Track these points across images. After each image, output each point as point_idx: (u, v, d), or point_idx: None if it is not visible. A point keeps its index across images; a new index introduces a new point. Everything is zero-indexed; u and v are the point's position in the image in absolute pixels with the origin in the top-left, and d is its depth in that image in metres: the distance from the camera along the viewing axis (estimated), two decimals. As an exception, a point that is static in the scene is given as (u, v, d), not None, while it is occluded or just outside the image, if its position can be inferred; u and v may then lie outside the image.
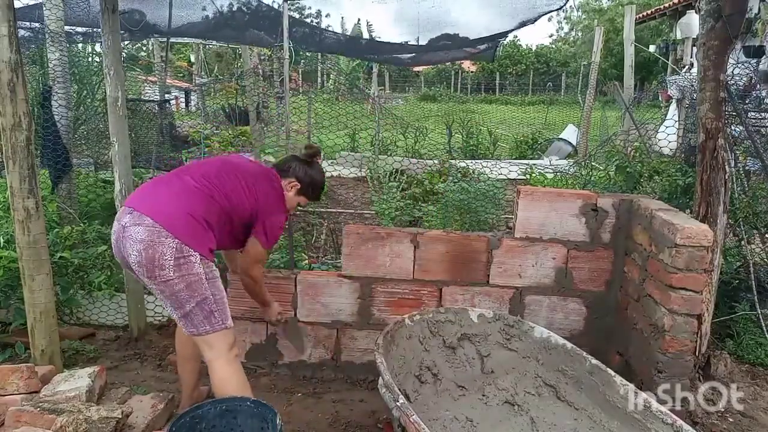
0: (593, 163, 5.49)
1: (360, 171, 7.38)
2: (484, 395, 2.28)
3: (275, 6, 4.45)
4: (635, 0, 14.76)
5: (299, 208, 2.49)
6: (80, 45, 5.65)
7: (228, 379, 2.02)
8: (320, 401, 2.59)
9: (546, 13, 3.79)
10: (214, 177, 2.09)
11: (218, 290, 2.03)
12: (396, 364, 2.10)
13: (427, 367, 2.25)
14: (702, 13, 2.66)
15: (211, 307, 1.98)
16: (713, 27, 2.59)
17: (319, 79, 21.15)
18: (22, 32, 4.75)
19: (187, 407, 2.17)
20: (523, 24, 4.05)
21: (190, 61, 17.59)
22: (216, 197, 2.05)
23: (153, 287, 1.95)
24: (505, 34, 4.59)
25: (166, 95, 8.59)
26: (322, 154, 2.40)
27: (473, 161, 7.47)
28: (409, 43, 5.30)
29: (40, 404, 1.98)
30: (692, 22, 9.29)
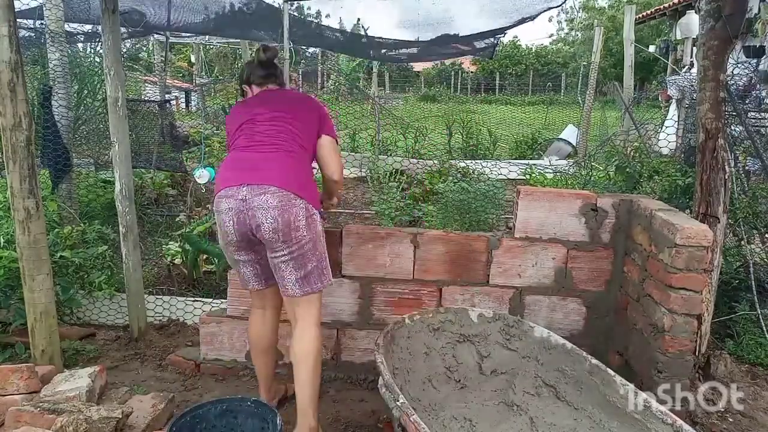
0: (593, 163, 5.49)
1: (360, 171, 7.38)
2: (483, 395, 2.28)
3: (276, 5, 4.46)
4: (635, 0, 14.75)
5: None
6: (81, 45, 5.65)
7: (317, 336, 2.15)
8: (320, 401, 2.59)
9: (546, 10, 3.80)
10: (284, 124, 2.17)
11: (325, 248, 2.20)
12: (396, 364, 2.10)
13: (427, 367, 2.25)
14: (702, 13, 2.66)
15: (325, 263, 2.17)
16: (713, 27, 2.59)
17: (319, 80, 21.15)
18: (22, 32, 4.75)
19: (269, 401, 2.31)
20: (522, 21, 4.06)
21: (190, 61, 17.59)
22: (301, 143, 2.17)
23: (283, 251, 2.05)
24: (504, 30, 4.60)
25: (167, 95, 8.59)
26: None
27: (473, 161, 7.47)
28: (409, 40, 5.31)
29: (40, 404, 1.98)
30: (692, 22, 9.29)
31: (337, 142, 2.32)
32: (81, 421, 1.83)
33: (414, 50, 6.00)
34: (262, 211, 1.99)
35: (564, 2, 3.68)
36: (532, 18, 4.00)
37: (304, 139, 2.19)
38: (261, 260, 2.19)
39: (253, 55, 2.40)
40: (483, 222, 4.14)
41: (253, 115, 2.21)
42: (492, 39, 5.19)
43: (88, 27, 5.27)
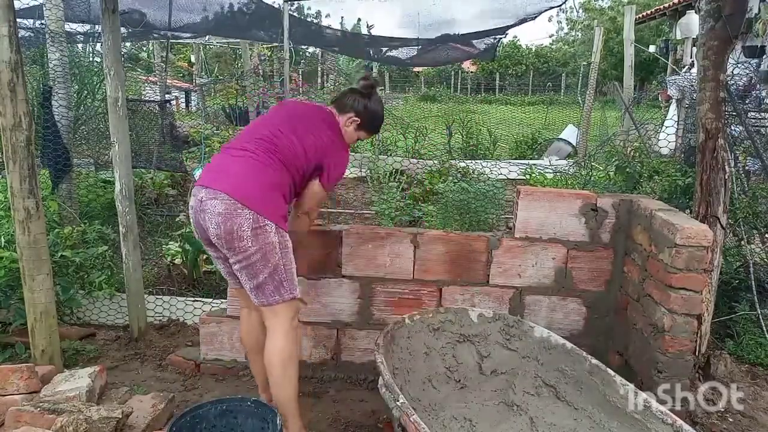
0: (593, 163, 5.49)
1: (360, 171, 7.37)
2: (483, 395, 2.28)
3: (276, 6, 4.46)
4: (635, 0, 14.75)
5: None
6: (80, 45, 5.66)
7: (281, 348, 2.07)
8: (320, 401, 2.59)
9: (546, 10, 3.81)
10: (275, 138, 2.11)
11: (289, 261, 2.07)
12: (396, 364, 2.10)
13: (426, 367, 2.25)
14: (702, 13, 2.66)
15: (281, 277, 2.04)
16: (713, 27, 2.59)
17: (319, 80, 21.14)
18: (22, 32, 4.75)
19: (268, 400, 2.26)
20: (523, 20, 4.07)
21: (190, 61, 17.59)
22: (282, 159, 2.08)
23: (233, 258, 2.02)
24: (505, 30, 4.60)
25: (167, 95, 8.59)
26: (373, 83, 2.33)
27: (473, 161, 7.46)
28: (409, 39, 5.32)
29: (40, 404, 1.98)
30: (692, 22, 9.29)
31: (325, 189, 2.25)
32: (81, 421, 1.83)
33: (414, 52, 6.00)
34: (209, 215, 1.99)
35: (565, 2, 3.69)
36: (532, 18, 4.01)
37: (295, 163, 2.12)
38: (227, 260, 2.15)
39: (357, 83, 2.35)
40: (483, 222, 4.13)
41: (281, 118, 2.21)
42: (493, 39, 5.20)
43: (87, 27, 5.27)
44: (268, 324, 2.11)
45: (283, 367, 2.06)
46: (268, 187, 2.04)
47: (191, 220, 2.13)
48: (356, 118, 2.24)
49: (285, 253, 2.06)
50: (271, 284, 2.03)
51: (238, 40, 9.55)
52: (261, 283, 2.02)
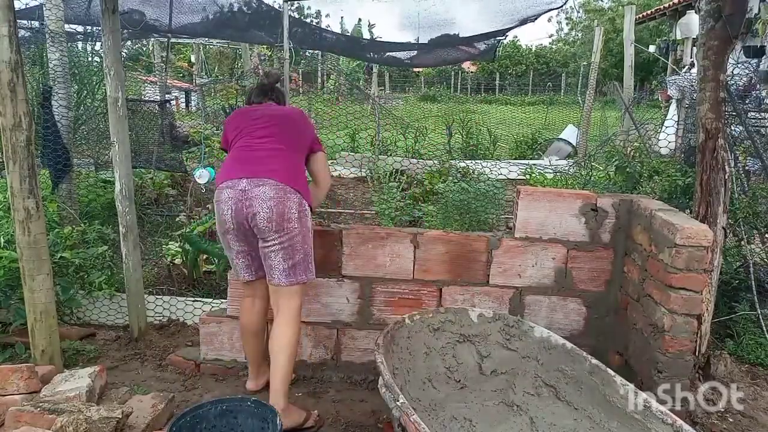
0: (593, 163, 5.49)
1: (360, 171, 7.37)
2: (483, 395, 2.28)
3: (276, 6, 4.46)
4: (635, 0, 14.75)
5: None
6: (80, 45, 5.66)
7: (293, 333, 2.28)
8: (320, 401, 2.59)
9: (546, 11, 3.81)
10: (279, 134, 2.35)
11: (311, 244, 2.33)
12: (396, 364, 2.10)
13: (426, 367, 2.25)
14: (702, 13, 2.66)
15: (310, 258, 2.32)
16: (713, 27, 2.59)
17: (319, 80, 21.15)
18: (22, 32, 4.75)
19: (255, 387, 2.57)
20: (523, 21, 4.07)
21: (190, 61, 17.59)
22: (298, 151, 2.39)
23: (275, 241, 2.21)
24: (505, 32, 4.60)
25: (167, 95, 8.59)
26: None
27: (473, 161, 7.46)
28: (409, 42, 5.31)
29: (41, 404, 1.98)
30: (692, 22, 9.29)
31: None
32: (81, 421, 1.83)
33: (414, 53, 6.00)
34: (259, 201, 2.18)
35: (565, 3, 3.69)
36: (533, 19, 4.01)
37: (299, 145, 2.41)
38: (252, 252, 2.35)
39: (258, 79, 2.68)
40: (483, 222, 4.14)
41: (253, 119, 2.41)
42: (493, 40, 5.19)
43: (86, 27, 5.27)
44: (282, 307, 2.29)
45: (293, 349, 2.27)
46: (301, 173, 2.35)
47: (224, 213, 2.26)
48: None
49: (311, 237, 2.34)
50: (303, 263, 2.27)
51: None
52: (296, 262, 2.24)
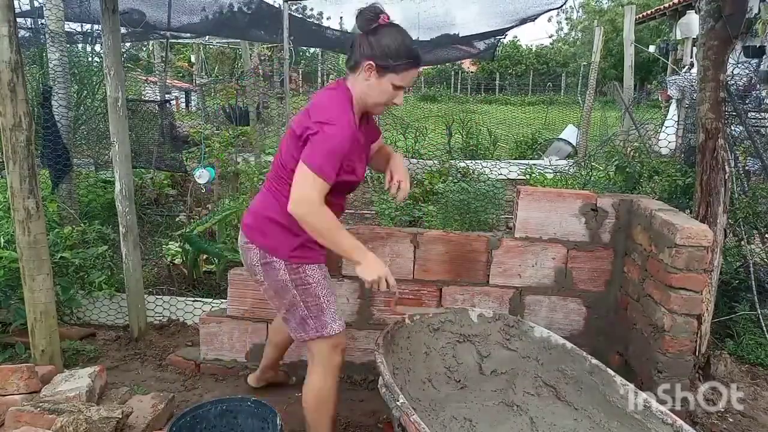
0: (593, 163, 5.49)
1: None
2: (483, 395, 2.28)
3: (276, 5, 4.46)
4: (635, 0, 14.75)
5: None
6: (80, 45, 5.66)
7: (319, 388, 1.96)
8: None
9: (546, 12, 3.81)
10: (281, 162, 1.88)
11: (313, 297, 1.89)
12: (396, 364, 2.10)
13: (426, 367, 2.25)
14: (702, 13, 2.66)
15: (302, 314, 1.89)
16: (713, 27, 2.59)
17: (319, 80, 21.13)
18: (22, 32, 4.75)
19: (253, 383, 2.59)
20: (523, 21, 4.07)
21: (190, 61, 17.59)
22: (281, 176, 1.86)
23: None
24: (504, 32, 4.61)
25: (167, 95, 8.59)
26: (383, 16, 1.79)
27: (473, 161, 7.46)
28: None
29: (41, 404, 1.98)
30: (692, 22, 9.28)
31: (315, 171, 1.68)
32: (81, 421, 1.83)
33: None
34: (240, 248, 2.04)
35: (564, 3, 3.69)
36: (532, 19, 4.01)
37: (287, 160, 1.84)
38: None
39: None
40: (483, 222, 4.14)
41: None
42: (492, 39, 5.20)
43: (87, 27, 5.27)
44: (308, 361, 2.01)
45: (317, 408, 1.97)
46: (270, 220, 1.87)
47: None
48: (370, 62, 1.76)
49: (304, 289, 1.88)
50: (293, 320, 1.92)
51: (238, 40, 9.54)
52: (285, 318, 1.97)
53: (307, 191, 1.69)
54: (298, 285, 1.88)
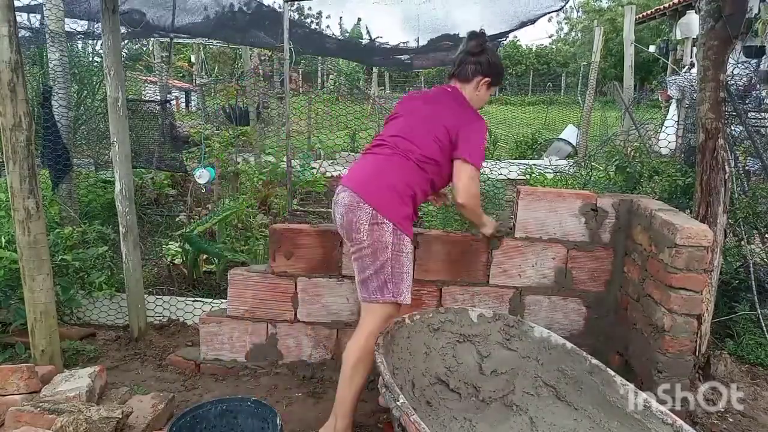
0: (593, 163, 5.49)
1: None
2: (483, 395, 2.28)
3: (276, 7, 4.45)
4: (635, 0, 14.75)
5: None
6: (80, 45, 5.65)
7: (361, 347, 2.10)
8: (320, 401, 2.59)
9: (546, 14, 3.80)
10: (405, 134, 2.20)
11: (400, 264, 2.10)
12: (396, 364, 2.10)
13: (426, 367, 2.25)
14: (702, 13, 2.66)
15: (386, 277, 2.09)
16: (713, 27, 2.59)
17: (319, 80, 21.15)
18: (22, 32, 4.75)
19: None
20: (522, 24, 4.06)
21: (190, 61, 17.58)
22: (415, 159, 2.15)
23: (350, 248, 2.15)
24: (505, 35, 4.60)
25: (167, 95, 8.58)
26: (483, 38, 2.33)
27: (473, 161, 7.43)
28: (408, 44, 5.31)
29: (41, 404, 1.98)
30: (692, 22, 9.29)
31: (476, 167, 2.19)
32: (81, 421, 1.83)
33: (415, 54, 6.00)
34: (338, 207, 2.17)
35: (564, 5, 3.68)
36: (532, 22, 4.01)
37: (428, 159, 2.16)
38: None
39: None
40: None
41: (406, 109, 2.33)
42: (493, 42, 5.19)
43: (86, 26, 5.26)
44: (361, 316, 2.19)
45: (355, 365, 2.11)
46: (392, 187, 2.11)
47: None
48: (486, 78, 2.28)
49: (397, 255, 2.09)
50: (375, 281, 2.09)
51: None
52: (366, 278, 2.11)
53: (474, 189, 2.24)
54: (395, 250, 2.10)
